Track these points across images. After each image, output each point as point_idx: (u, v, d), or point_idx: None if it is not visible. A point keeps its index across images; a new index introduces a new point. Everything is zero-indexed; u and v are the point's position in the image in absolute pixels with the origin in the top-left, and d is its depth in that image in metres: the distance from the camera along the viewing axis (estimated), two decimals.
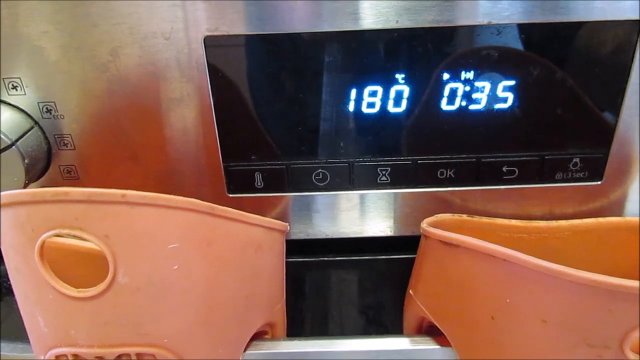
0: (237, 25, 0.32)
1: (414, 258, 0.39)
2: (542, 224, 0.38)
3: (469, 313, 0.31)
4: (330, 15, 0.32)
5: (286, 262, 0.41)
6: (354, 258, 0.42)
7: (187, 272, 0.30)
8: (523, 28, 0.32)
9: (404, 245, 0.41)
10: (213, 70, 0.34)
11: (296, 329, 0.43)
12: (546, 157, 0.37)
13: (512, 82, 0.34)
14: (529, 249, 0.39)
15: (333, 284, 0.43)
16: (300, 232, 0.40)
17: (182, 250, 0.29)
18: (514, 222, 0.38)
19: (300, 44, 0.33)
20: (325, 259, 0.42)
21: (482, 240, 0.37)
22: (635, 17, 0.32)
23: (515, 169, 0.37)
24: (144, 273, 0.28)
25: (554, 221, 0.38)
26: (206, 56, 0.33)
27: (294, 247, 0.41)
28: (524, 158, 0.37)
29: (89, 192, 0.26)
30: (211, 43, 0.33)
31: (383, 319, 0.43)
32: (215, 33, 0.32)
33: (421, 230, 0.35)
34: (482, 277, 0.29)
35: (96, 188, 0.26)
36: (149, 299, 0.29)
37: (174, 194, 0.38)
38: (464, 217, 0.37)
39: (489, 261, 0.28)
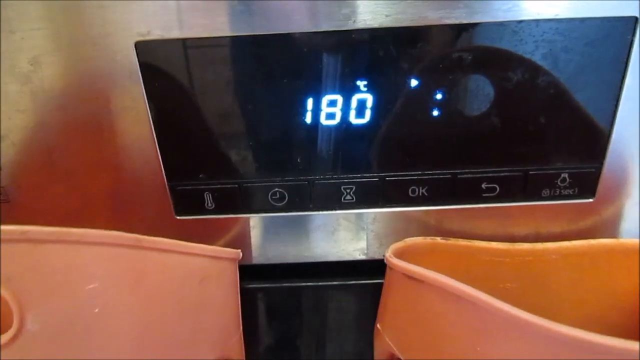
0: (172, 27, 0.28)
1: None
2: (526, 246, 0.34)
3: (436, 353, 0.27)
4: (283, 15, 0.28)
5: (249, 288, 0.37)
6: (320, 283, 0.38)
7: (113, 313, 0.26)
8: (501, 26, 0.28)
9: (376, 268, 0.37)
10: (148, 79, 0.30)
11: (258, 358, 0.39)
12: (530, 172, 0.33)
13: (490, 89, 0.30)
14: (512, 274, 0.35)
15: (300, 311, 0.39)
16: (260, 257, 0.36)
17: (103, 290, 0.25)
18: (494, 244, 0.34)
19: (249, 47, 0.29)
20: (289, 284, 0.38)
21: (459, 266, 0.33)
22: (630, 13, 0.28)
23: (495, 185, 0.33)
24: (59, 318, 0.24)
25: (539, 243, 0.34)
26: (139, 63, 0.29)
27: (256, 271, 0.37)
28: (506, 173, 0.33)
29: None
30: (144, 49, 0.29)
31: (352, 349, 0.39)
32: (148, 37, 0.28)
33: (385, 261, 0.30)
34: (449, 318, 0.25)
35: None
36: (68, 346, 0.25)
37: (117, 218, 0.35)
38: (438, 239, 0.33)
39: (456, 302, 0.24)
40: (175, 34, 0.29)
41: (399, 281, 0.29)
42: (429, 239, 0.33)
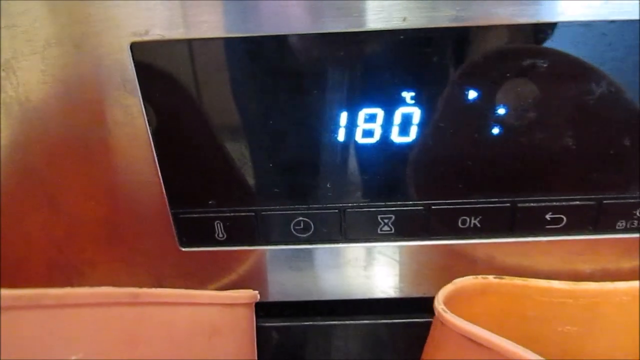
0: (176, 25, 0.23)
1: (422, 322, 0.30)
2: (592, 286, 0.29)
3: None
4: (315, 10, 0.22)
5: (265, 326, 0.32)
6: (350, 322, 0.32)
7: None
8: (587, 27, 0.23)
9: (411, 305, 0.32)
10: (146, 88, 0.24)
11: None
12: (605, 202, 0.27)
13: (563, 102, 0.24)
14: (574, 316, 0.30)
15: (325, 353, 0.33)
16: (278, 294, 0.31)
17: (91, 358, 0.20)
18: (555, 284, 0.29)
19: (271, 50, 0.24)
20: (313, 323, 0.32)
21: (513, 307, 0.28)
22: None
23: (562, 216, 0.28)
24: None
25: (608, 282, 0.29)
26: (135, 69, 0.24)
27: (274, 308, 0.32)
28: (576, 202, 0.27)
29: None
30: (141, 51, 0.23)
31: None
32: (146, 38, 0.23)
33: (435, 312, 0.25)
34: None
35: None
36: None
37: (110, 249, 0.29)
38: (490, 278, 0.28)
39: None
40: (180, 33, 0.23)
41: (453, 341, 0.23)
42: (480, 278, 0.28)
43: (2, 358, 0.18)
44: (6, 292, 0.18)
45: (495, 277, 0.28)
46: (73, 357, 0.19)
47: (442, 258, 0.29)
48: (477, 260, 0.29)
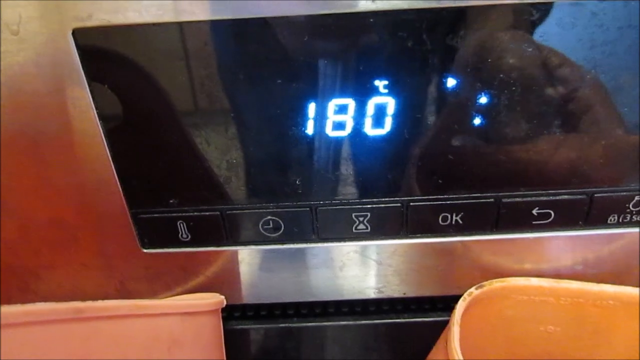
0: (124, 9, 0.21)
1: (401, 323, 0.28)
2: (574, 285, 0.27)
3: None
4: None
5: (236, 329, 0.30)
6: (325, 324, 0.31)
7: None
8: (576, 6, 0.20)
9: (392, 304, 0.30)
10: (92, 77, 0.22)
11: None
12: (596, 195, 0.25)
13: (552, 91, 0.22)
14: (556, 316, 0.28)
15: (300, 355, 0.32)
16: (251, 296, 0.29)
17: None
18: (534, 281, 0.27)
19: (234, 34, 0.21)
20: (287, 325, 0.31)
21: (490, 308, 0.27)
22: None
23: (550, 211, 0.26)
24: None
25: (594, 284, 0.27)
26: (80, 57, 0.21)
27: (247, 310, 0.30)
28: (566, 196, 0.25)
29: None
30: (85, 38, 0.21)
31: None
32: (89, 23, 0.21)
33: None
34: None
35: None
36: None
37: (66, 252, 0.27)
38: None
39: None
40: (130, 17, 0.21)
41: None
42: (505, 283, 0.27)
43: None
44: None
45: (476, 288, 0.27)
46: None
47: (422, 257, 0.27)
48: (457, 258, 0.27)
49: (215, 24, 0.21)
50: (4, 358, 0.17)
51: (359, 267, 0.28)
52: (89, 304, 0.19)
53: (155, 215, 0.26)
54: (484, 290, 0.26)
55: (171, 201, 0.26)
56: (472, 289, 0.27)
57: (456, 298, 0.26)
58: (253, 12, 0.21)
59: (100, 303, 0.19)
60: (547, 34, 0.21)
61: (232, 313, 0.31)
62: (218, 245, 0.27)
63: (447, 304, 0.30)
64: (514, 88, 0.22)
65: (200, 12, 0.21)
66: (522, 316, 0.29)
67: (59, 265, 0.28)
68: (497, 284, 0.27)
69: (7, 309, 0.17)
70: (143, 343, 0.21)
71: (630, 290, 0.26)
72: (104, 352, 0.20)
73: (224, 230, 0.27)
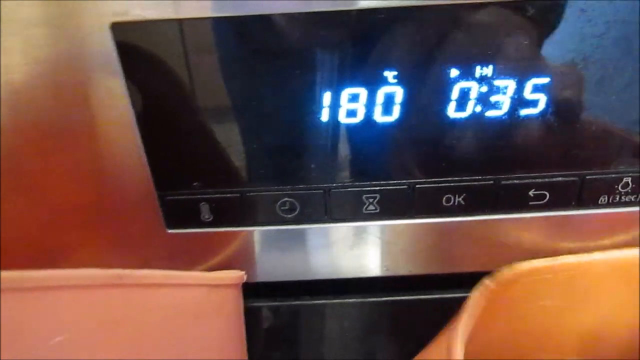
0: (159, 5, 0.23)
1: (409, 300, 0.30)
2: (570, 259, 0.30)
3: None
4: None
5: (253, 306, 0.32)
6: (337, 301, 0.33)
7: None
8: (567, 3, 0.23)
9: (400, 283, 0.32)
10: (128, 68, 0.24)
11: None
12: (588, 177, 0.27)
13: (545, 80, 0.25)
14: (553, 291, 0.30)
15: (314, 332, 0.34)
16: (266, 274, 0.31)
17: (74, 341, 0.20)
18: (535, 263, 0.29)
19: (255, 30, 0.24)
20: (301, 302, 0.33)
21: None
22: None
23: (545, 192, 0.28)
24: None
25: (585, 254, 0.29)
26: (117, 50, 0.23)
27: (263, 288, 0.32)
28: (559, 179, 0.27)
29: None
30: (122, 31, 0.23)
31: None
32: (126, 18, 0.23)
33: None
34: None
35: None
36: None
37: (96, 233, 0.29)
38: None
39: None
40: (160, 12, 0.23)
41: None
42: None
43: None
44: None
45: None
46: (57, 339, 0.20)
47: (427, 236, 0.30)
48: (460, 237, 0.30)
49: (236, 20, 0.23)
50: (53, 315, 0.19)
51: (368, 246, 0.30)
52: (128, 271, 0.21)
53: (180, 197, 0.28)
54: (497, 280, 0.28)
55: (195, 184, 0.28)
56: (486, 280, 0.29)
57: (458, 275, 0.29)
58: (274, 9, 0.23)
59: (138, 271, 0.21)
60: (541, 25, 0.23)
61: (246, 292, 0.33)
62: (237, 226, 0.29)
63: (450, 281, 0.32)
64: (508, 79, 0.25)
65: (228, 8, 0.23)
66: (524, 296, 0.31)
67: (87, 245, 0.30)
68: (506, 271, 0.29)
69: (58, 272, 0.19)
70: (172, 311, 0.23)
71: (616, 254, 0.28)
72: (138, 316, 0.22)
73: (243, 212, 0.29)
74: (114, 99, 0.25)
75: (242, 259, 0.30)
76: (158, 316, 0.22)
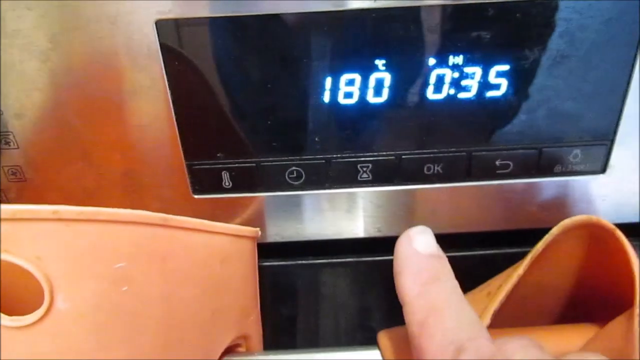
0: (192, 6, 0.28)
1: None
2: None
3: None
4: None
5: (263, 266, 0.38)
6: (336, 260, 0.38)
7: (139, 292, 0.26)
8: (518, 6, 0.28)
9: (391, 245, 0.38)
10: (168, 58, 0.30)
11: (278, 338, 0.40)
12: (544, 149, 0.33)
13: (505, 67, 0.30)
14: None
15: (316, 289, 0.39)
16: (276, 235, 0.36)
17: (131, 269, 0.25)
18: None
19: (269, 27, 0.29)
20: (305, 262, 0.38)
21: None
22: None
23: (509, 162, 0.33)
24: (88, 297, 0.25)
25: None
26: (159, 42, 0.29)
27: (272, 249, 0.38)
28: (520, 151, 0.33)
29: (14, 209, 0.22)
30: (164, 27, 0.29)
31: (371, 324, 0.40)
32: (168, 16, 0.28)
33: None
34: None
35: (26, 205, 0.23)
36: (96, 325, 0.25)
37: (133, 196, 0.35)
38: None
39: None
40: (197, 12, 0.28)
41: None
42: None
43: (62, 266, 0.24)
44: (71, 208, 0.23)
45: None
46: (117, 265, 0.25)
47: (412, 201, 0.35)
48: (442, 202, 0.35)
49: (251, 20, 0.29)
50: (116, 245, 0.24)
51: (363, 210, 0.36)
52: (172, 216, 0.26)
53: (205, 166, 0.33)
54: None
55: (218, 155, 0.33)
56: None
57: (442, 236, 0.34)
58: (289, 9, 0.28)
59: (179, 217, 0.27)
60: (501, 23, 0.29)
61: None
62: (253, 192, 0.35)
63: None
64: (476, 67, 0.30)
65: (249, 7, 0.28)
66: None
67: (125, 208, 0.35)
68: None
69: (121, 210, 0.24)
70: (204, 253, 0.28)
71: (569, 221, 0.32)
72: (179, 255, 0.27)
73: (257, 179, 0.34)
74: (154, 82, 0.30)
75: (255, 221, 0.36)
76: (193, 256, 0.28)
